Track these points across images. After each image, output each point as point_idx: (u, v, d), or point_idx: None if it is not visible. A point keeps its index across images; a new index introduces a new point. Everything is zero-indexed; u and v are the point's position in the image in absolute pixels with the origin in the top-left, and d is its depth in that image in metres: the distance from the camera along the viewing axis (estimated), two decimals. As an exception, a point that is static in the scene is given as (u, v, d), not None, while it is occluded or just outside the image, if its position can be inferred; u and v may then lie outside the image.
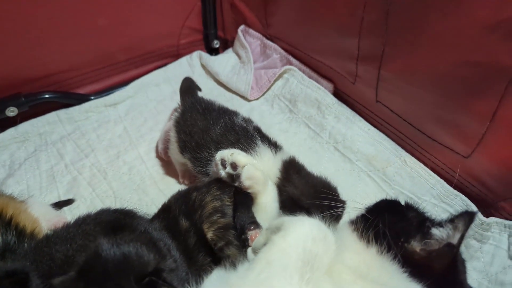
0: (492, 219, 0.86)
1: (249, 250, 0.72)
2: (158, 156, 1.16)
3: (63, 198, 1.04)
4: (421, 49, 0.86)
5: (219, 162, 0.87)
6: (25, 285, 0.62)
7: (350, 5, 0.97)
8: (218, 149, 0.89)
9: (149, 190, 1.07)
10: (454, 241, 0.63)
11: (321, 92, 1.24)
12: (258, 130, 0.99)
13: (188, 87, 1.21)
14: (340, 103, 1.21)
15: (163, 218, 0.83)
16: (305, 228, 0.63)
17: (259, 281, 0.56)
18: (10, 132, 1.20)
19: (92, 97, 1.33)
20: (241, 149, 0.89)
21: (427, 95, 0.90)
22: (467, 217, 0.63)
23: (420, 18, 0.82)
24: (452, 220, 0.64)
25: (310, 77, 1.28)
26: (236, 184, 0.85)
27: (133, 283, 0.57)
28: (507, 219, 0.84)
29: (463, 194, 0.93)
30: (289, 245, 0.60)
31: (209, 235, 0.79)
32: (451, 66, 0.81)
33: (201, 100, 1.07)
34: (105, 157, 1.17)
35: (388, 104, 1.04)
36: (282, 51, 1.35)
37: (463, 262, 0.74)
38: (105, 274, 0.59)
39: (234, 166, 0.85)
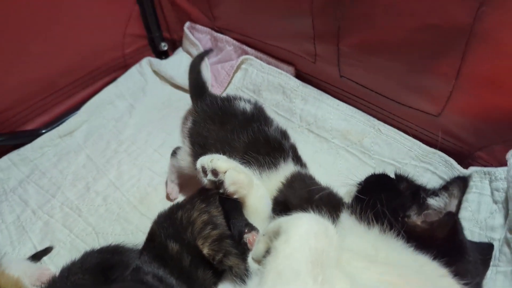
0: (472, 168, 0.89)
1: (250, 260, 0.69)
2: (133, 181, 1.10)
3: (39, 248, 0.96)
4: (376, 19, 0.84)
5: (200, 170, 0.82)
6: None
7: (296, -15, 0.94)
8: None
9: (131, 217, 1.01)
10: (453, 208, 0.63)
11: (284, 77, 1.21)
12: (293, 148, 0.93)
13: (197, 83, 1.08)
14: (304, 84, 1.19)
15: (152, 246, 0.78)
16: (305, 227, 0.61)
17: None
18: (-39, 189, 1.09)
19: (44, 131, 1.23)
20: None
21: (389, 64, 0.90)
22: (461, 183, 0.63)
23: (370, -11, 0.81)
24: (446, 187, 0.64)
25: (268, 63, 1.25)
26: (221, 191, 0.82)
27: None
28: (485, 166, 0.87)
29: (440, 151, 0.95)
30: (294, 249, 0.58)
31: (205, 250, 0.76)
32: (409, 32, 0.81)
33: (216, 103, 0.96)
34: (74, 192, 1.09)
35: (353, 77, 1.03)
36: (234, 42, 1.30)
37: (459, 221, 0.76)
38: None
39: (215, 172, 0.80)
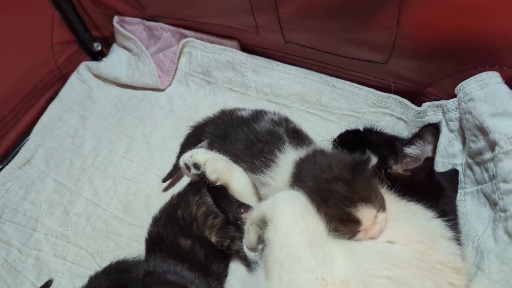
0: (424, 104, 0.96)
1: (246, 249, 0.74)
2: (110, 193, 1.09)
3: (38, 284, 0.96)
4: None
5: (184, 167, 0.89)
6: None
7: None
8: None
9: (120, 230, 1.02)
10: (429, 153, 0.69)
11: (230, 53, 1.20)
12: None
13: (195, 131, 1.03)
14: (252, 56, 1.19)
15: (160, 249, 0.81)
16: (287, 211, 0.65)
17: (285, 286, 0.59)
18: None
19: (0, 166, 1.16)
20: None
21: (331, 24, 0.92)
22: (433, 129, 0.68)
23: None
24: (419, 135, 0.69)
25: (211, 42, 1.23)
26: (206, 181, 0.86)
27: None
28: (436, 100, 0.94)
29: (395, 93, 1.01)
30: (287, 237, 0.63)
31: (213, 239, 0.81)
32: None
33: (218, 122, 0.94)
34: (54, 220, 1.07)
35: (299, 41, 1.04)
36: (170, 27, 1.26)
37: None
38: None
39: (196, 166, 0.86)
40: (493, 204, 0.75)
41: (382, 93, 1.03)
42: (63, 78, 1.32)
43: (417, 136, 0.71)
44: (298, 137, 0.84)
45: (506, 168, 0.70)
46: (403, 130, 1.01)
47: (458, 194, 0.85)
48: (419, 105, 0.97)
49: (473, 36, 0.76)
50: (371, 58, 0.96)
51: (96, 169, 1.15)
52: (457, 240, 0.70)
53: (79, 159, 1.18)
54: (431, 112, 0.96)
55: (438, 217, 0.70)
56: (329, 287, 0.58)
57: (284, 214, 0.66)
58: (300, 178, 0.71)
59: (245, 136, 0.86)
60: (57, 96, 1.30)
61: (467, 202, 0.82)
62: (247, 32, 1.12)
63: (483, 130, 0.75)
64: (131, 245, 0.98)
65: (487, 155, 0.76)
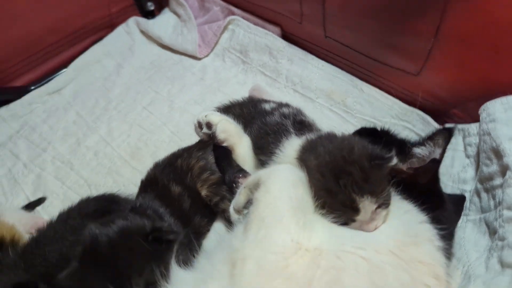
0: (447, 125, 0.94)
1: (231, 210, 0.74)
2: (123, 137, 1.12)
3: (32, 199, 0.99)
4: (361, -23, 0.87)
5: (197, 125, 0.92)
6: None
7: None
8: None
9: (122, 170, 1.05)
10: (437, 156, 0.68)
11: (270, 37, 1.23)
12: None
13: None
14: (290, 45, 1.22)
15: (151, 189, 0.83)
16: (282, 177, 0.67)
17: (260, 240, 0.59)
18: (-49, 143, 1.11)
19: (32, 88, 1.24)
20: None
21: (372, 23, 0.93)
22: (446, 133, 0.68)
23: None
24: (431, 137, 0.69)
25: (255, 24, 1.27)
26: (215, 141, 0.88)
27: (142, 243, 0.59)
28: (459, 123, 0.92)
29: (419, 109, 1.00)
30: (275, 198, 0.64)
31: (204, 192, 0.82)
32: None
33: (243, 109, 0.95)
34: (65, 147, 1.12)
35: (338, 38, 1.06)
36: (221, 2, 1.31)
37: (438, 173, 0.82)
38: (109, 253, 0.60)
39: (209, 125, 0.89)
40: (492, 232, 0.72)
41: (407, 106, 1.02)
42: (111, 27, 1.39)
43: (429, 138, 0.70)
44: (303, 127, 0.85)
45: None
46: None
47: (460, 220, 0.83)
48: (441, 124, 0.96)
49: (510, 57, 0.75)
50: (403, 67, 0.96)
51: (117, 113, 1.19)
52: (447, 253, 0.68)
53: (104, 100, 1.23)
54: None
55: (431, 224, 0.69)
56: (302, 251, 0.58)
57: (278, 179, 0.67)
58: (306, 156, 0.70)
59: (258, 129, 0.88)
60: (101, 40, 1.36)
61: (467, 229, 0.80)
62: (291, 19, 1.14)
63: (498, 153, 0.73)
64: (128, 186, 1.00)
65: (498, 180, 0.73)
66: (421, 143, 0.71)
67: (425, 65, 0.91)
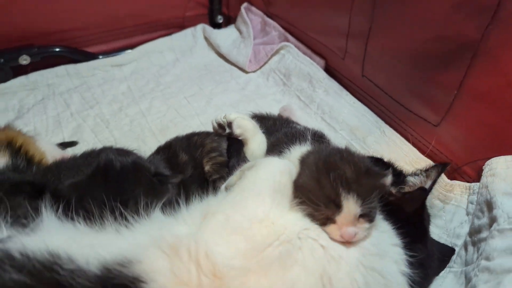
0: (456, 182, 0.96)
1: (223, 187, 0.80)
2: (159, 115, 1.25)
3: (67, 138, 1.12)
4: (401, 25, 0.96)
5: (216, 126, 1.00)
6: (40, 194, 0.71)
7: (344, -17, 1.07)
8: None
9: (148, 140, 1.16)
10: (427, 186, 0.72)
11: (314, 68, 1.34)
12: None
13: None
14: (330, 78, 1.31)
15: (163, 152, 0.92)
16: (274, 164, 0.73)
17: (235, 202, 0.65)
18: (21, 80, 1.29)
19: (100, 56, 1.42)
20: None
21: (404, 68, 1.01)
22: (439, 167, 0.72)
23: (403, -3, 0.92)
24: (426, 170, 0.74)
25: (304, 53, 1.38)
26: (231, 133, 0.97)
27: (148, 178, 0.66)
28: (468, 181, 0.94)
29: (432, 160, 1.03)
30: (260, 178, 0.70)
31: (207, 167, 0.90)
32: (424, 41, 0.91)
33: (275, 123, 1.05)
34: (108, 109, 1.26)
35: (372, 78, 1.14)
36: (280, 28, 1.45)
37: (428, 214, 0.84)
38: (117, 176, 0.69)
39: (230, 125, 0.97)
40: (467, 283, 0.73)
41: (422, 156, 1.05)
42: (181, 27, 1.57)
43: (424, 170, 0.74)
44: (321, 141, 0.91)
45: (494, 245, 0.69)
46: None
47: (443, 271, 0.83)
48: (450, 179, 0.98)
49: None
50: (425, 116, 1.01)
51: (161, 95, 1.33)
52: (411, 283, 0.69)
53: (154, 83, 1.38)
54: (458, 191, 0.95)
55: (405, 251, 0.70)
56: (268, 223, 0.62)
57: (269, 165, 0.74)
58: (307, 156, 0.74)
59: (280, 134, 0.96)
60: (169, 35, 1.54)
61: (447, 279, 0.80)
62: (335, 54, 1.25)
63: (490, 206, 0.75)
64: (149, 153, 1.10)
65: (484, 233, 0.75)
66: (416, 173, 0.76)
67: (445, 117, 0.95)
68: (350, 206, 0.63)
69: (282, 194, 0.68)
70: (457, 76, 0.87)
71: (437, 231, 0.94)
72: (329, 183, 0.64)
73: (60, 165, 0.87)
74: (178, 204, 0.66)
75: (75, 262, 0.52)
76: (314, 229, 0.65)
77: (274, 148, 0.90)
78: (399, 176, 0.79)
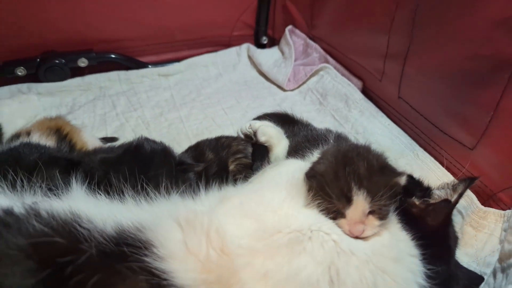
0: (490, 209, 0.91)
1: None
2: (196, 122, 1.31)
3: (109, 134, 1.21)
4: (439, 44, 0.95)
5: (242, 136, 1.06)
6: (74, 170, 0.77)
7: (384, 5, 1.09)
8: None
9: (183, 143, 1.20)
10: (452, 199, 0.70)
11: (351, 89, 1.35)
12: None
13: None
14: (366, 99, 1.31)
15: (191, 150, 0.98)
16: (294, 163, 0.75)
17: (252, 191, 0.68)
18: (77, 80, 1.42)
19: (149, 66, 1.53)
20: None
21: (441, 88, 0.99)
22: (468, 181, 0.71)
23: (442, 15, 0.93)
24: (453, 184, 0.72)
25: (342, 75, 1.40)
26: (257, 141, 1.01)
27: (174, 164, 0.72)
28: (503, 209, 0.89)
29: (466, 186, 0.98)
30: (279, 173, 0.73)
31: (231, 167, 0.94)
32: (463, 60, 0.90)
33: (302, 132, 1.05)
34: (150, 113, 1.34)
35: (408, 99, 1.13)
36: (321, 50, 1.49)
37: (456, 236, 0.80)
38: (146, 158, 0.74)
39: (255, 134, 1.02)
40: (493, 311, 0.68)
41: (455, 180, 1.01)
42: (226, 46, 1.66)
43: (451, 184, 0.72)
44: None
45: (523, 270, 0.65)
46: (457, 224, 0.96)
47: (470, 300, 0.78)
48: (485, 206, 0.93)
49: None
50: (460, 139, 0.98)
51: (201, 105, 1.40)
52: None
53: (196, 93, 1.45)
54: (492, 219, 0.90)
55: (424, 264, 0.68)
56: (281, 214, 0.63)
57: (290, 164, 0.77)
58: (326, 150, 0.75)
59: (302, 136, 0.98)
60: (215, 52, 1.63)
61: (472, 304, 0.75)
62: (373, 76, 1.25)
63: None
64: (181, 155, 1.16)
65: (515, 259, 0.70)
66: (442, 187, 0.73)
67: (481, 140, 0.92)
68: (360, 202, 0.64)
69: (298, 190, 0.69)
70: (494, 96, 0.85)
71: (467, 259, 0.89)
72: (344, 176, 0.65)
73: (98, 150, 0.94)
74: (198, 189, 0.69)
75: (93, 223, 0.55)
76: (327, 224, 0.65)
77: (297, 152, 0.91)
78: (426, 191, 0.77)
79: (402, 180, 0.67)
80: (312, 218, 0.65)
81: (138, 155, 0.75)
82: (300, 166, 0.76)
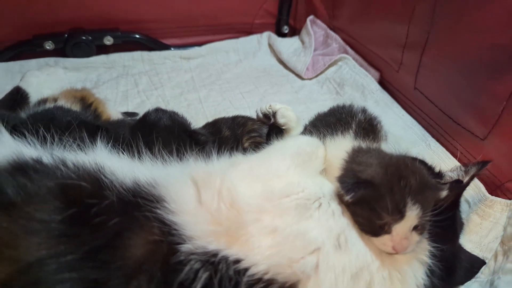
0: (497, 198, 0.92)
1: None
2: (214, 103, 1.35)
3: (134, 110, 1.26)
4: (458, 34, 0.97)
5: (261, 115, 1.08)
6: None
7: (405, -5, 1.11)
8: None
9: (200, 122, 1.22)
10: (463, 179, 0.71)
11: (368, 79, 1.37)
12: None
13: None
14: (382, 90, 1.33)
15: (209, 127, 1.03)
16: (303, 137, 0.77)
17: (259, 159, 0.72)
18: (102, 58, 1.47)
19: (172, 48, 1.57)
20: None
21: (456, 79, 1.00)
22: (480, 164, 0.72)
23: (462, 5, 0.94)
24: (466, 165, 0.74)
25: (361, 65, 1.42)
26: (275, 123, 1.03)
27: (190, 132, 0.75)
28: (509, 199, 0.90)
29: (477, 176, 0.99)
30: (287, 144, 0.76)
31: (246, 144, 0.98)
32: (479, 50, 0.91)
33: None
34: (170, 93, 1.38)
35: (424, 90, 1.14)
36: (341, 41, 1.50)
37: (462, 222, 0.82)
38: (159, 127, 0.78)
39: (274, 115, 1.04)
40: None
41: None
42: (248, 33, 1.70)
43: (464, 166, 0.74)
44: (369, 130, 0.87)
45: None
46: (463, 213, 0.97)
47: (469, 281, 0.79)
48: (493, 195, 0.94)
49: None
50: (472, 129, 0.99)
51: (219, 88, 1.44)
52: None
53: (215, 77, 1.50)
54: (498, 208, 0.91)
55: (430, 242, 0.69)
56: (287, 180, 0.66)
57: (299, 138, 0.82)
58: (359, 155, 0.72)
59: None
60: (236, 39, 1.67)
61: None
62: (390, 67, 1.27)
63: (525, 214, 0.72)
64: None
65: (516, 241, 0.71)
66: (454, 169, 0.75)
67: (493, 130, 0.93)
68: (412, 217, 0.61)
69: (305, 162, 0.72)
70: (508, 85, 0.86)
71: (470, 246, 0.90)
72: (399, 190, 0.61)
73: (122, 121, 0.99)
74: (211, 155, 0.73)
75: (115, 175, 0.60)
76: (334, 202, 0.67)
77: (311, 132, 0.93)
78: (438, 175, 0.78)
79: (444, 194, 0.66)
80: (320, 188, 0.68)
81: (156, 124, 0.79)
82: (308, 139, 0.79)
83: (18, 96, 1.13)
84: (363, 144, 0.79)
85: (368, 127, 0.90)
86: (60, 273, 0.47)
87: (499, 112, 0.89)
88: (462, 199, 1.00)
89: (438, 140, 1.13)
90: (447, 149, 1.09)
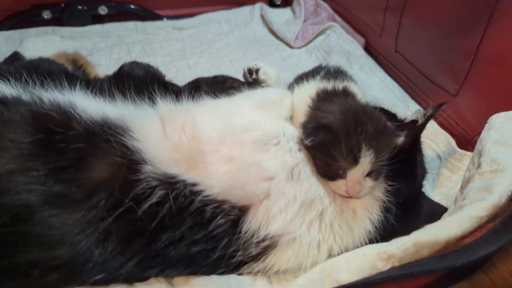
0: (467, 152, 0.95)
1: None
2: (203, 70, 1.39)
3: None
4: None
5: (246, 71, 1.12)
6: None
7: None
8: None
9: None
10: (419, 120, 0.75)
11: (353, 46, 1.39)
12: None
13: None
14: (367, 55, 1.35)
15: (189, 84, 1.07)
16: (272, 89, 0.82)
17: (225, 101, 0.77)
18: (97, 27, 1.53)
19: (165, 19, 1.62)
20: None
21: (431, 39, 1.03)
22: (437, 106, 0.75)
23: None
24: (424, 109, 0.76)
25: (348, 32, 1.44)
26: (257, 80, 1.08)
27: (164, 83, 0.80)
28: (478, 151, 0.92)
29: (449, 133, 1.02)
30: (254, 92, 0.81)
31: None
32: (453, 8, 0.93)
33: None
34: (161, 60, 1.43)
35: (404, 52, 1.17)
36: (330, 9, 1.53)
37: (424, 166, 0.85)
38: (132, 77, 0.83)
39: (257, 71, 1.09)
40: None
41: (439, 128, 1.05)
42: (240, 4, 1.73)
43: (423, 109, 0.77)
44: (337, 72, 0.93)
45: (472, 186, 0.69)
46: (434, 168, 1.00)
47: (428, 226, 0.83)
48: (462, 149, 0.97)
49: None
50: (445, 86, 1.01)
51: (209, 55, 1.48)
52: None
53: (206, 46, 1.54)
54: (467, 161, 0.94)
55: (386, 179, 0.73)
56: (249, 119, 0.71)
57: (267, 88, 0.87)
58: (332, 102, 0.75)
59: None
60: (229, 10, 1.70)
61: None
62: (373, 31, 1.29)
63: (479, 155, 0.75)
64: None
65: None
66: (414, 112, 0.79)
67: (463, 86, 0.95)
68: (365, 162, 0.63)
69: (269, 107, 0.76)
70: (475, 38, 0.88)
71: (438, 197, 0.93)
72: (355, 136, 0.63)
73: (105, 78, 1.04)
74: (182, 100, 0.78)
75: (86, 112, 0.64)
76: (295, 139, 0.71)
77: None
78: (399, 122, 0.81)
79: (400, 140, 0.68)
80: (281, 130, 0.72)
81: (130, 74, 0.85)
82: (276, 91, 0.83)
83: (15, 60, 1.19)
84: (329, 85, 0.82)
85: (336, 73, 0.94)
86: (27, 184, 0.52)
87: (467, 67, 0.92)
88: (434, 155, 1.04)
89: (416, 101, 1.15)
90: (423, 108, 1.11)
